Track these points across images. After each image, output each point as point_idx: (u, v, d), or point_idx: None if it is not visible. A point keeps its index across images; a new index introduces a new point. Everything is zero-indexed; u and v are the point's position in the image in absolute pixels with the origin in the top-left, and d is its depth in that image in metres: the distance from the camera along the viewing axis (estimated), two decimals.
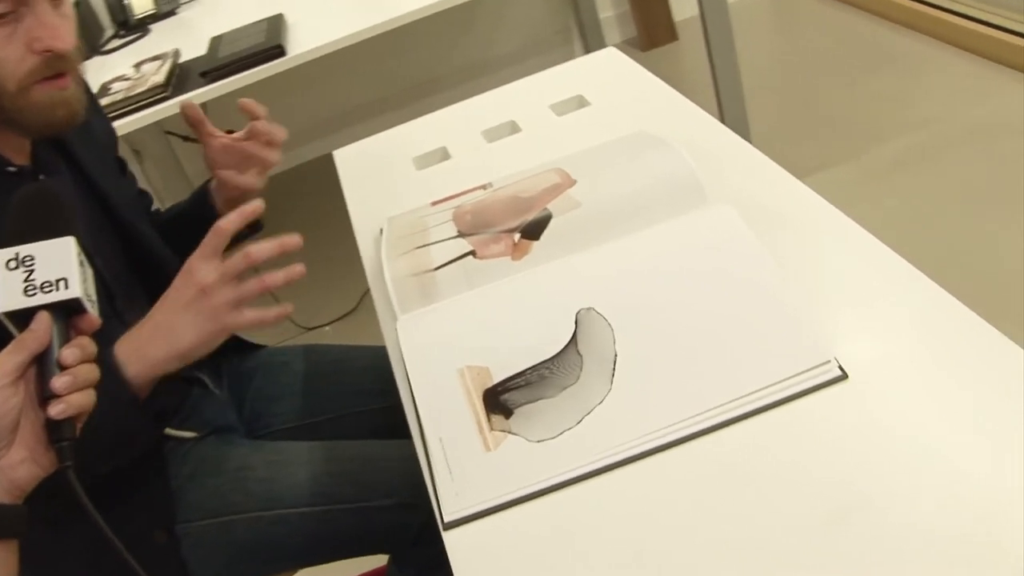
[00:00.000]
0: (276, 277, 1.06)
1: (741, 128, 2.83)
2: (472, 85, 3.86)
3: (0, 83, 1.04)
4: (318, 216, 3.51)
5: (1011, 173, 2.53)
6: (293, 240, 1.06)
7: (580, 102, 1.52)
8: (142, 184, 1.56)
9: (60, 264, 0.86)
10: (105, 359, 1.04)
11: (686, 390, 0.87)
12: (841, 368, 0.87)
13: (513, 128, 1.50)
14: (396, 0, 2.45)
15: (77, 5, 2.90)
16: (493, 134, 1.51)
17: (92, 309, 0.88)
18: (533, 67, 3.79)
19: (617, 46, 3.99)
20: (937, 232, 2.41)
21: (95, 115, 1.36)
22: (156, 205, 1.54)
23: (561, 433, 0.87)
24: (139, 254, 1.30)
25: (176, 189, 3.54)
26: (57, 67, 1.06)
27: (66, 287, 0.85)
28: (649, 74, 1.55)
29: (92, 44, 2.90)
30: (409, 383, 0.97)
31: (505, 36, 3.88)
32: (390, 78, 3.81)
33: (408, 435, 0.98)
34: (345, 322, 2.91)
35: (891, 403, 0.83)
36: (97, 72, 2.68)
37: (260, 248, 1.06)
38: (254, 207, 1.11)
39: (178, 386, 1.34)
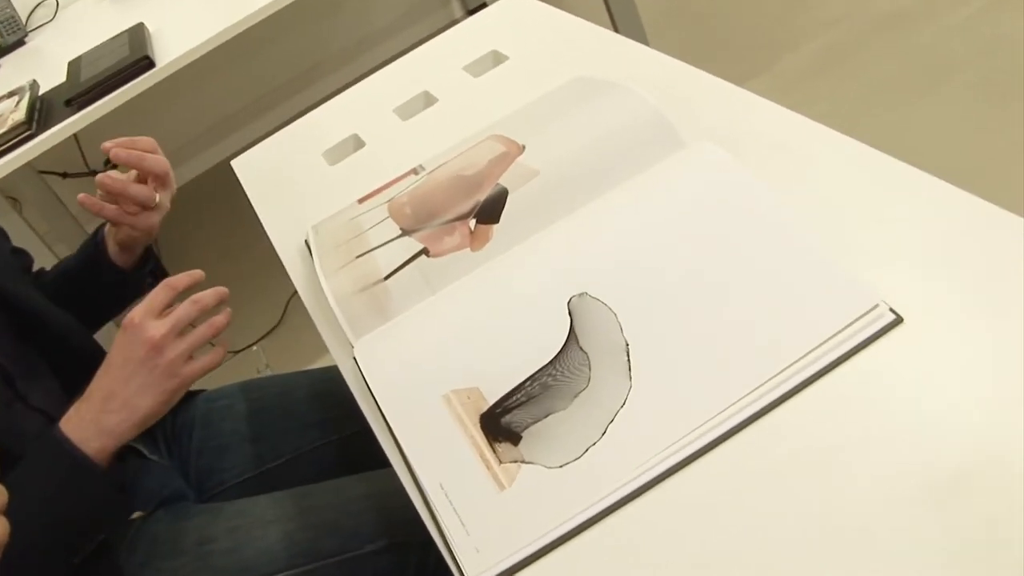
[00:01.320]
0: (220, 319, 1.01)
1: None
2: (359, 62, 3.68)
3: None
4: (221, 228, 3.31)
5: (930, 57, 2.45)
6: (224, 290, 1.01)
7: (496, 58, 1.36)
8: (23, 236, 1.36)
9: None
10: (64, 448, 0.95)
11: (722, 371, 0.73)
12: (893, 310, 0.73)
13: (428, 99, 1.34)
14: None
15: None
16: (407, 110, 1.34)
17: None
18: (415, 35, 3.65)
19: None
20: (873, 127, 2.31)
21: None
22: (39, 265, 1.34)
23: (585, 451, 0.72)
24: (27, 321, 1.11)
25: (63, 230, 3.28)
26: None
27: None
28: (564, 13, 1.39)
29: None
30: (384, 419, 0.81)
31: (380, 9, 3.69)
32: (270, 72, 3.61)
33: (376, 465, 0.84)
34: (273, 337, 2.72)
35: (957, 339, 0.70)
36: None
37: (206, 294, 1.00)
38: (200, 273, 1.04)
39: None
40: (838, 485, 0.65)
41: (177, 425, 1.29)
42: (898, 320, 0.72)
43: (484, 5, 3.83)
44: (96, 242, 1.24)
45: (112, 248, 1.23)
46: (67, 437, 0.95)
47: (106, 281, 1.23)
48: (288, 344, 2.68)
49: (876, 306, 0.73)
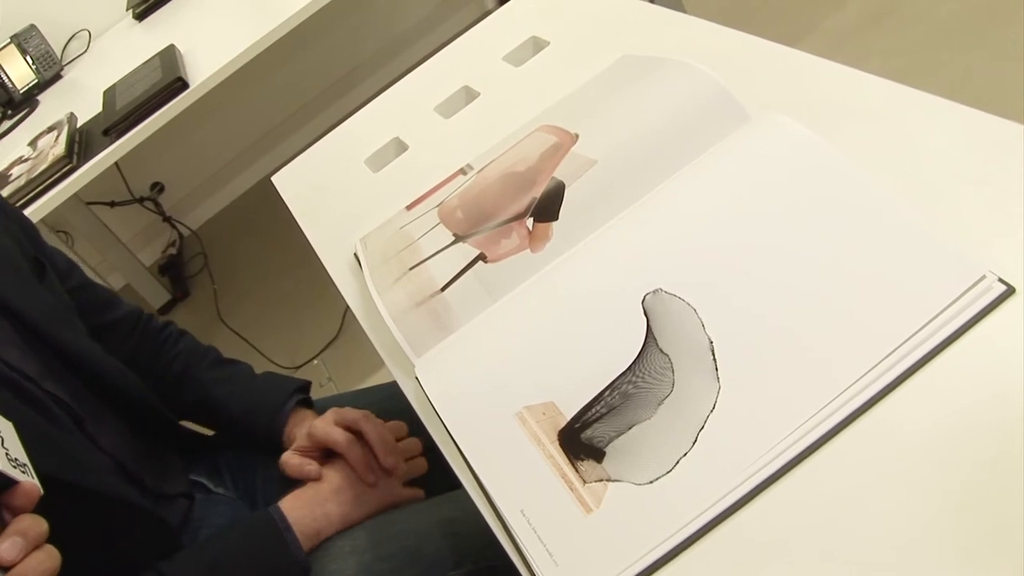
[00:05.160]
0: None
1: None
2: (395, 65, 3.62)
3: None
4: (270, 245, 3.28)
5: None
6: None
7: (536, 44, 1.29)
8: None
9: None
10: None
11: (819, 363, 0.66)
12: (1003, 280, 0.66)
13: (469, 95, 1.28)
14: (284, 1, 2.23)
15: None
16: (448, 107, 1.28)
17: (24, 476, 0.66)
18: (449, 30, 3.59)
19: None
20: (935, 78, 2.21)
21: None
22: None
23: (677, 463, 0.66)
24: (80, 371, 1.07)
25: (116, 259, 3.28)
26: None
27: None
28: None
29: None
30: (454, 441, 0.75)
31: (410, 6, 3.63)
32: (306, 82, 3.57)
33: (447, 482, 0.79)
34: (333, 349, 2.68)
35: None
36: None
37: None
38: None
39: (178, 503, 1.12)
40: (967, 475, 0.58)
41: (242, 456, 1.24)
42: (1010, 291, 0.65)
43: None
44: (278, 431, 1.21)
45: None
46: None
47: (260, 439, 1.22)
48: (349, 355, 2.64)
49: (983, 277, 0.66)
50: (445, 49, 1.41)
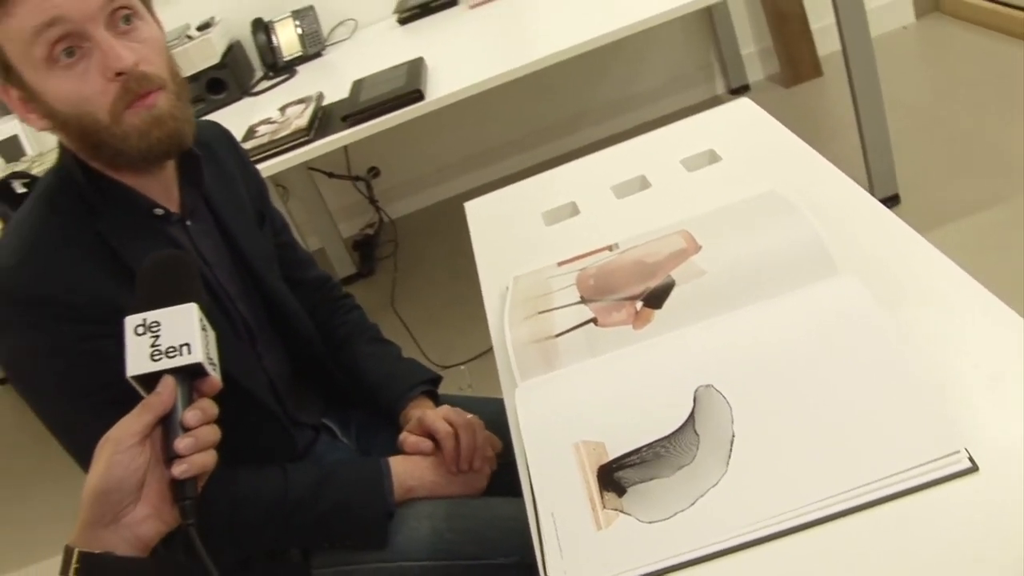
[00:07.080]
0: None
1: (887, 168, 2.75)
2: (615, 123, 3.83)
3: (95, 117, 1.09)
4: (453, 254, 3.54)
5: None
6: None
7: (711, 157, 1.50)
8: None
9: (184, 330, 0.90)
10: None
11: (803, 477, 0.85)
12: (971, 459, 0.83)
13: (643, 184, 1.50)
14: (536, 44, 2.46)
15: (231, 49, 3.02)
16: (623, 189, 1.50)
17: (213, 372, 0.92)
18: (675, 104, 3.81)
19: (760, 82, 3.90)
20: None
21: (240, 168, 1.41)
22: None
23: (674, 515, 0.86)
24: (271, 305, 1.35)
25: (319, 224, 3.64)
26: (138, 88, 1.10)
27: (189, 352, 0.89)
28: (783, 128, 1.52)
29: (243, 86, 3.03)
30: (525, 453, 0.98)
31: (646, 74, 3.84)
32: (527, 119, 3.83)
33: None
34: (480, 361, 2.93)
35: None
36: (247, 113, 2.79)
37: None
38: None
39: (304, 431, 1.38)
40: None
41: (372, 418, 1.50)
42: (973, 468, 0.82)
43: (747, 88, 3.89)
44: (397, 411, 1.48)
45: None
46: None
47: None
48: (491, 372, 2.87)
49: (956, 452, 0.83)
50: (634, 139, 1.63)
